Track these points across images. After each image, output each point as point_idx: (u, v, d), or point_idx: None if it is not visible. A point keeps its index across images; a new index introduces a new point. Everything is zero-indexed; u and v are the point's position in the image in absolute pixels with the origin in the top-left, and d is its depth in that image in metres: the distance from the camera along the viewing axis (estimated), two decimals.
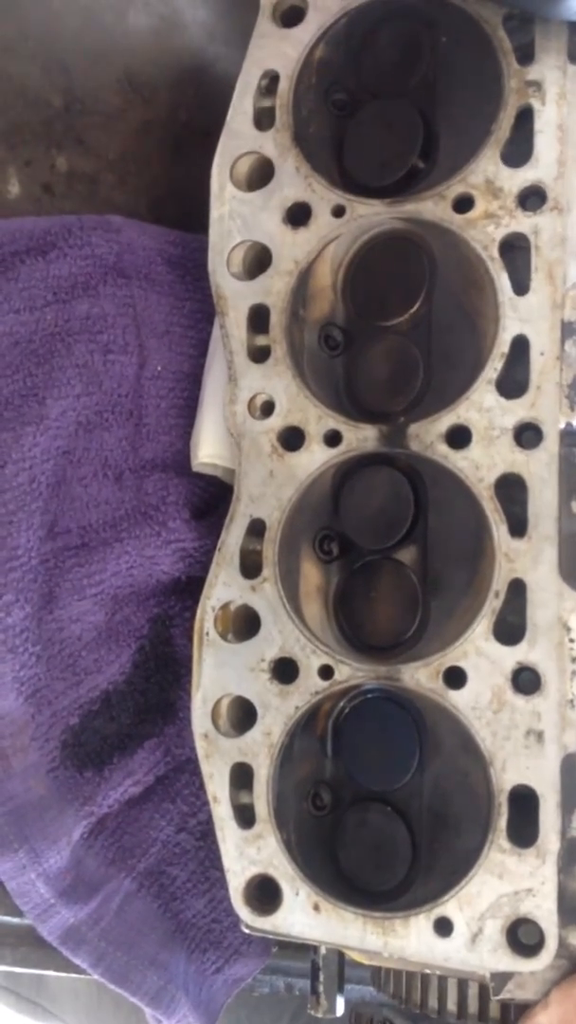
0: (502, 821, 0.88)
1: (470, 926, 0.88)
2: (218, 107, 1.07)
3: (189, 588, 1.19)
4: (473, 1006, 0.97)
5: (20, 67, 1.24)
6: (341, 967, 1.04)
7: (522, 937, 0.87)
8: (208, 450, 1.08)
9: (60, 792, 1.14)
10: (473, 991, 0.97)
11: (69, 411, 1.17)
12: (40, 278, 1.18)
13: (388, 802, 0.95)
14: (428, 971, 0.94)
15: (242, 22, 1.08)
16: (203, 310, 1.22)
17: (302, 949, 1.12)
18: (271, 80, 1.04)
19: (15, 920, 1.16)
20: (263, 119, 1.04)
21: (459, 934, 0.88)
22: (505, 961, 0.87)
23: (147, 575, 1.17)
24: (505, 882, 0.88)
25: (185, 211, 1.24)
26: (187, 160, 1.28)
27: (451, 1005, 0.97)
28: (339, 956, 1.04)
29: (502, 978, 0.90)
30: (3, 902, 1.14)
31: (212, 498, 1.19)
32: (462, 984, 0.97)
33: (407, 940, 0.90)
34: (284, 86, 1.03)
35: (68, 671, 1.16)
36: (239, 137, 1.04)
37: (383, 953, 0.91)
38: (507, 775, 0.89)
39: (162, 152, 1.30)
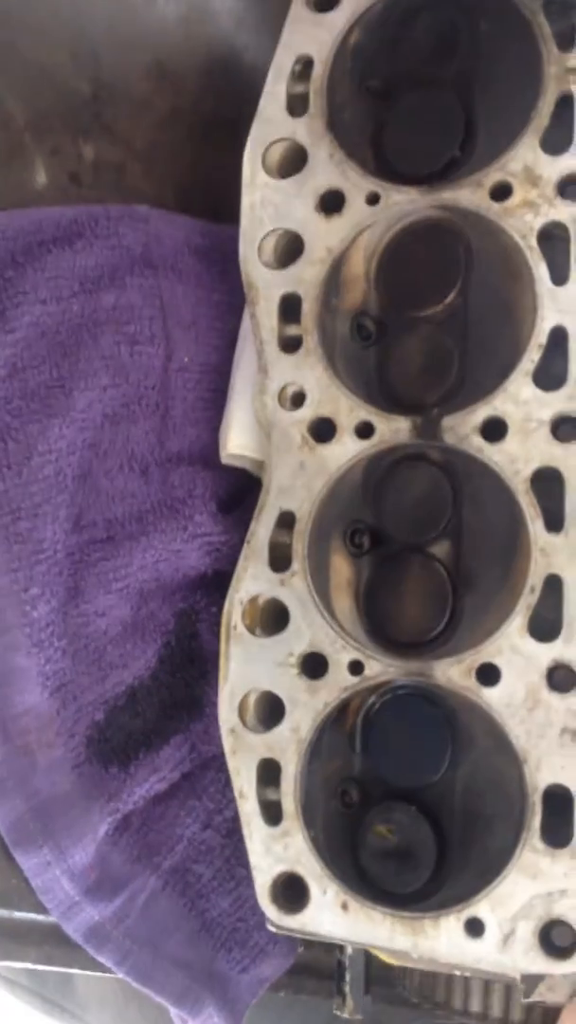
0: (536, 821, 0.87)
1: (502, 927, 0.86)
2: (246, 96, 1.05)
3: (216, 582, 1.17)
4: (498, 1008, 0.96)
5: (49, 54, 1.23)
6: (368, 967, 1.03)
7: (555, 939, 0.86)
8: (237, 440, 1.06)
9: (85, 788, 1.13)
10: (499, 992, 0.96)
11: (95, 403, 1.16)
12: (67, 268, 1.17)
13: (418, 800, 0.93)
14: (457, 972, 0.93)
15: (271, 10, 1.07)
16: (230, 301, 1.20)
17: (328, 949, 1.11)
18: (305, 65, 1.02)
19: (40, 917, 1.15)
20: (296, 105, 1.02)
21: (491, 935, 0.86)
22: (538, 963, 0.86)
23: (173, 569, 1.16)
24: (538, 883, 0.86)
25: (213, 200, 1.23)
26: (215, 149, 1.26)
27: (475, 1006, 0.96)
28: (365, 956, 1.03)
29: (533, 980, 0.88)
30: (28, 899, 1.13)
31: (239, 492, 1.18)
32: (488, 985, 0.96)
33: (437, 941, 0.88)
34: (318, 71, 1.01)
35: (94, 666, 1.15)
36: (271, 123, 1.02)
37: (412, 954, 0.89)
38: (541, 774, 0.87)
39: (190, 141, 1.29)
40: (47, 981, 1.36)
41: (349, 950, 1.02)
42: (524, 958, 0.86)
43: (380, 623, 0.97)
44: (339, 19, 1.02)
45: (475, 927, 0.87)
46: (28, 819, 1.12)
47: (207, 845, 1.15)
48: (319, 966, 1.16)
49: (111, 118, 1.26)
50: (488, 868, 0.88)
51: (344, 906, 0.91)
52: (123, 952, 1.11)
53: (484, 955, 0.87)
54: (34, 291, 1.16)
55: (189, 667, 1.17)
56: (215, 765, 1.16)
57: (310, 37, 1.02)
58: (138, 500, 1.17)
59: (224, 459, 1.09)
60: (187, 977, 1.11)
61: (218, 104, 1.28)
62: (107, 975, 1.14)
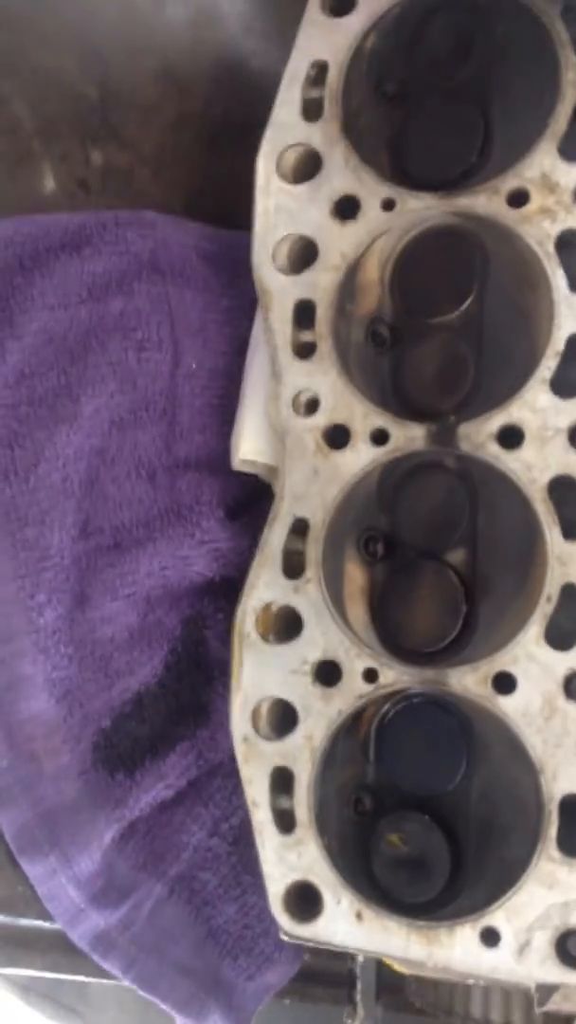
0: (552, 830, 0.86)
1: (518, 937, 0.86)
2: (255, 101, 1.05)
3: (223, 588, 1.17)
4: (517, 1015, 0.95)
5: (56, 59, 1.23)
6: (379, 976, 1.02)
7: (571, 949, 0.85)
8: (250, 446, 1.06)
9: (91, 795, 1.13)
10: (518, 1001, 0.95)
11: (103, 409, 1.15)
12: (75, 274, 1.17)
13: (433, 809, 0.93)
14: (472, 981, 0.92)
15: (281, 15, 1.07)
16: (238, 307, 1.20)
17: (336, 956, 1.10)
18: (320, 70, 1.02)
19: (45, 924, 1.14)
20: (311, 110, 1.02)
21: (506, 945, 0.86)
22: (554, 973, 0.85)
23: (180, 576, 1.15)
24: (555, 892, 0.85)
25: (221, 206, 1.22)
26: (224, 154, 1.26)
27: (496, 1016, 0.96)
28: (377, 964, 1.02)
29: (547, 990, 0.87)
30: (33, 906, 1.12)
31: (246, 498, 1.17)
32: (506, 994, 0.96)
33: (452, 950, 0.88)
34: (333, 76, 1.01)
35: (100, 672, 1.14)
36: (286, 128, 1.02)
37: (427, 963, 0.89)
38: (558, 783, 0.87)
39: (198, 146, 1.28)
40: (62, 986, 1.35)
41: (360, 959, 1.02)
42: (540, 968, 0.85)
43: (393, 631, 0.97)
44: (355, 23, 1.01)
45: (491, 936, 0.87)
46: (34, 826, 1.11)
47: (213, 852, 1.14)
48: (325, 973, 1.15)
49: (119, 123, 1.26)
50: (504, 878, 0.87)
51: (359, 915, 0.90)
52: (129, 959, 1.11)
53: (499, 964, 0.86)
54: (42, 297, 1.16)
55: (196, 673, 1.17)
56: (222, 772, 1.16)
57: (325, 41, 1.02)
58: (145, 506, 1.17)
59: (236, 465, 1.08)
60: (193, 984, 1.11)
61: (227, 109, 1.28)
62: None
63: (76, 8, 1.23)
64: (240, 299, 1.19)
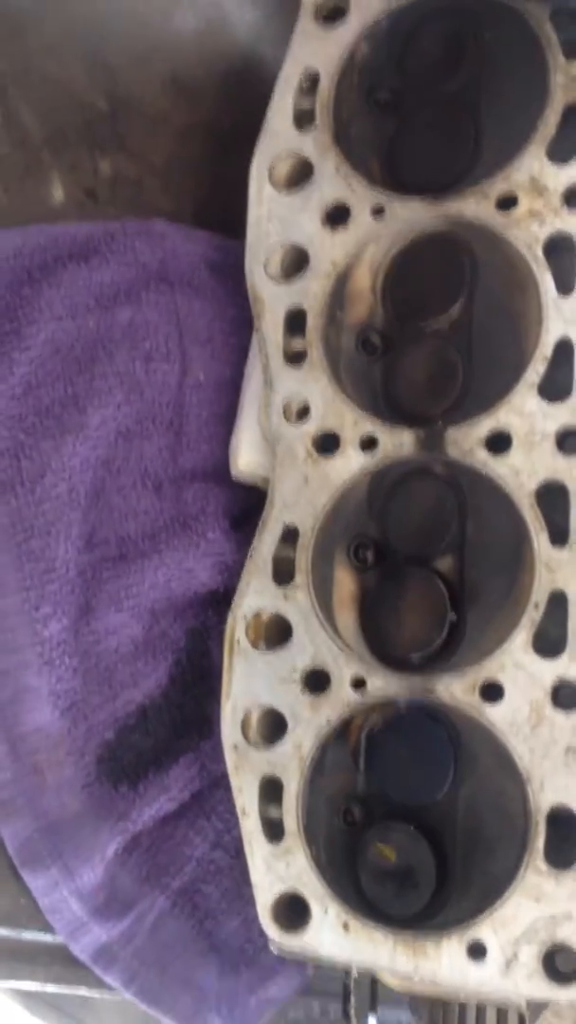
0: (539, 841, 0.85)
1: (504, 951, 0.84)
2: (264, 110, 1.05)
3: (227, 600, 1.15)
4: None
5: (64, 69, 1.24)
6: (374, 991, 1.01)
7: (559, 964, 0.84)
8: (246, 458, 1.06)
9: (95, 808, 1.12)
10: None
11: (109, 420, 1.15)
12: (83, 284, 1.17)
13: (421, 820, 0.92)
14: (463, 998, 0.91)
15: (289, 23, 1.06)
16: (246, 317, 1.19)
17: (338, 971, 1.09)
18: (312, 79, 1.02)
19: (47, 937, 1.14)
20: (303, 119, 1.02)
21: (493, 959, 0.85)
22: (541, 988, 0.83)
23: (185, 587, 1.15)
24: (542, 905, 0.84)
25: (230, 216, 1.22)
26: (232, 164, 1.25)
27: None
28: (372, 980, 1.01)
29: (538, 1006, 0.86)
30: (36, 919, 1.12)
31: (251, 508, 1.16)
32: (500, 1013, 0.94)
33: (438, 963, 0.86)
34: (325, 85, 1.01)
35: (104, 685, 1.14)
36: (278, 137, 1.02)
37: (413, 976, 0.88)
38: (545, 794, 0.85)
39: (207, 156, 1.29)
40: (65, 995, 1.34)
41: (355, 973, 1.00)
42: (527, 983, 0.84)
43: (380, 638, 0.96)
44: (346, 33, 1.01)
45: (477, 950, 0.85)
46: (37, 839, 1.11)
47: (216, 865, 1.14)
48: (327, 988, 1.14)
49: (128, 133, 1.26)
50: (491, 890, 0.86)
51: (345, 926, 0.90)
52: (131, 973, 1.10)
53: (486, 979, 0.85)
54: (49, 308, 1.16)
55: (200, 685, 1.16)
56: (225, 784, 1.13)
57: (317, 51, 1.02)
58: (151, 517, 1.17)
59: (234, 476, 1.08)
60: (194, 998, 1.10)
61: (236, 118, 1.27)
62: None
63: (85, 18, 1.23)
64: (248, 309, 1.18)
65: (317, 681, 0.94)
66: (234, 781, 0.95)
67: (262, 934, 1.07)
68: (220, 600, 1.17)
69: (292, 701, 0.94)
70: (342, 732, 0.95)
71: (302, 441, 0.97)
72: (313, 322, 0.98)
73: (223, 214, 1.25)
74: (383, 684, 0.92)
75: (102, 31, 1.23)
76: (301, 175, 1.01)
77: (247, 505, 1.17)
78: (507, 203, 0.93)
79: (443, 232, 0.97)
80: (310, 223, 1.00)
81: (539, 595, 0.87)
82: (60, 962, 1.15)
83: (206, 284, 1.21)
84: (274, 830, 0.93)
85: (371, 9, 1.01)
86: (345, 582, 0.98)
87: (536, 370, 0.89)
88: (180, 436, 1.18)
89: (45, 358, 1.16)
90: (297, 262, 1.01)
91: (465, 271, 0.97)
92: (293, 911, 0.92)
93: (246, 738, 0.95)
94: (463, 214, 0.94)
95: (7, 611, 1.13)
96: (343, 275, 0.98)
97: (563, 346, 0.90)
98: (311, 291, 0.99)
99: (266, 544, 0.97)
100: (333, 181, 0.99)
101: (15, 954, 1.16)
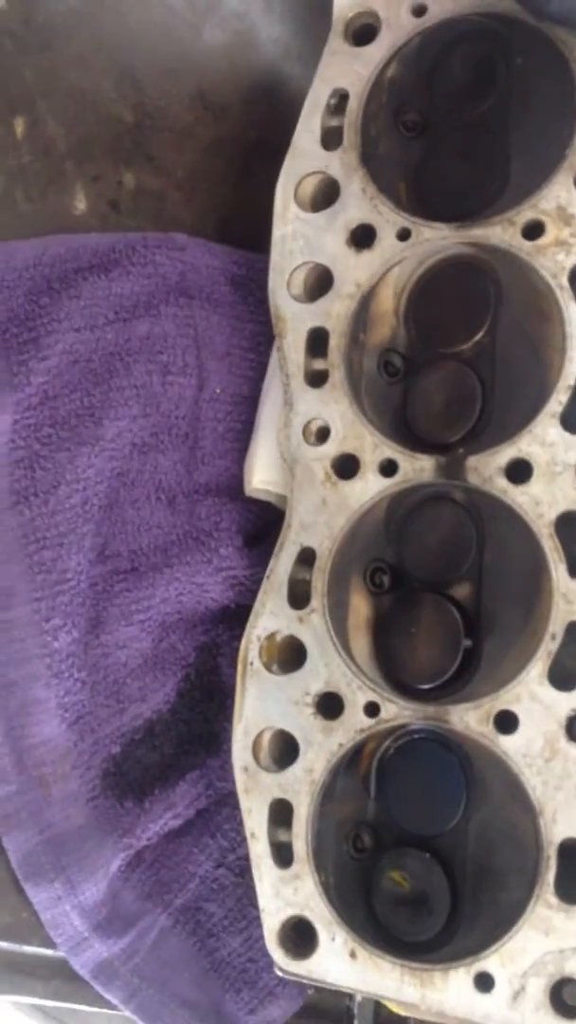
0: (550, 875, 0.84)
1: (512, 983, 0.84)
2: (290, 126, 1.05)
3: (238, 616, 1.16)
4: None
5: (93, 81, 1.23)
6: (377, 1015, 1.01)
7: (567, 998, 0.83)
8: (262, 476, 1.05)
9: (99, 822, 1.12)
10: None
11: (125, 432, 1.15)
12: (102, 296, 1.16)
13: (431, 849, 0.91)
14: None
15: (318, 40, 1.06)
16: (265, 332, 1.19)
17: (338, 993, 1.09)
18: (340, 99, 1.02)
19: (48, 952, 1.13)
20: (330, 139, 1.02)
21: (500, 991, 0.84)
22: (548, 1021, 0.83)
23: (196, 602, 1.14)
24: (551, 939, 0.83)
25: (253, 231, 1.21)
26: (256, 179, 1.26)
27: None
28: (375, 1004, 1.00)
29: None
30: (36, 933, 1.11)
31: (265, 525, 1.16)
32: None
33: (446, 994, 0.86)
34: (353, 105, 1.01)
35: (112, 698, 1.14)
36: (305, 156, 1.02)
37: (420, 1006, 0.87)
38: (557, 827, 0.85)
39: (231, 170, 1.28)
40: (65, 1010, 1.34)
41: (359, 997, 1.00)
42: (533, 1016, 0.83)
43: (394, 664, 0.95)
44: (376, 53, 1.01)
45: (485, 982, 0.85)
46: (40, 852, 1.11)
47: (219, 884, 1.13)
48: (327, 1009, 1.14)
49: (153, 146, 1.26)
50: (500, 921, 0.86)
51: (352, 954, 0.89)
52: (131, 990, 1.10)
53: (493, 1011, 0.84)
54: (68, 319, 1.15)
55: (208, 702, 1.16)
56: (231, 802, 1.14)
57: (346, 71, 1.01)
58: (164, 531, 1.16)
59: (248, 493, 1.08)
60: (194, 1017, 1.09)
61: (261, 134, 1.27)
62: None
63: (115, 32, 1.23)
64: (267, 324, 1.17)
65: (330, 705, 0.93)
66: (244, 804, 0.95)
67: (264, 954, 1.08)
68: (231, 616, 1.17)
69: (304, 725, 0.93)
70: (353, 758, 0.94)
71: (321, 463, 0.96)
72: (336, 343, 0.97)
73: (245, 229, 1.26)
74: (396, 711, 0.91)
75: (131, 45, 1.23)
76: (327, 195, 1.01)
77: (261, 522, 1.16)
78: (534, 231, 0.92)
79: (468, 257, 0.96)
80: (335, 243, 0.99)
81: (556, 626, 0.87)
82: (60, 977, 1.14)
83: (226, 298, 1.21)
84: (283, 854, 0.93)
85: (401, 30, 1.00)
86: (360, 606, 0.98)
87: (559, 400, 0.89)
88: (195, 450, 1.18)
89: (62, 369, 1.16)
90: (321, 282, 1.00)
91: (489, 297, 0.96)
92: (300, 936, 0.92)
93: (257, 760, 0.95)
94: (489, 240, 0.93)
95: (17, 622, 1.12)
96: (367, 297, 0.98)
97: None
98: (334, 312, 0.98)
99: (282, 565, 0.97)
100: (359, 202, 0.98)
101: (15, 968, 1.15)
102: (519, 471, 0.90)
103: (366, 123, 1.00)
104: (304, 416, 0.98)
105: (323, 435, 0.97)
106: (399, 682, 0.94)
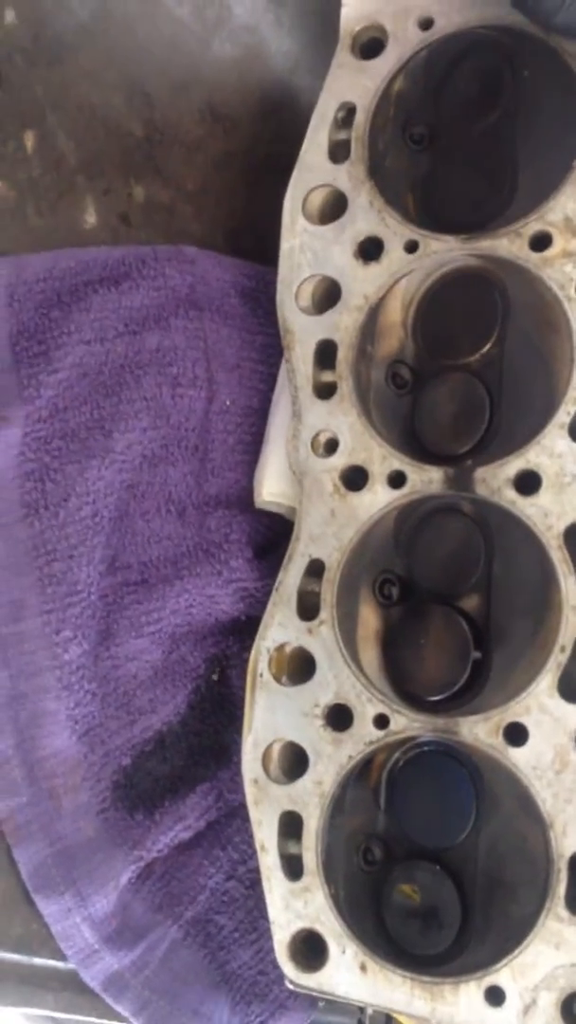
0: (561, 888, 0.84)
1: (523, 997, 0.84)
2: (300, 140, 1.05)
3: (248, 628, 1.16)
4: None
5: (103, 96, 1.24)
6: None
7: None
8: (271, 488, 1.05)
9: (109, 835, 1.11)
10: None
11: (135, 444, 1.15)
12: (112, 309, 1.17)
13: (441, 861, 0.91)
14: None
15: (327, 54, 1.06)
16: (275, 344, 1.19)
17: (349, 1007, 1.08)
18: (348, 112, 1.02)
19: (59, 964, 1.13)
20: (338, 152, 1.02)
21: (511, 1005, 0.84)
22: None
23: (206, 614, 1.14)
24: (562, 953, 0.83)
25: (262, 244, 1.22)
26: (266, 193, 1.25)
27: None
28: (387, 1017, 1.00)
29: None
30: (47, 945, 1.11)
31: (275, 536, 1.16)
32: None
33: (456, 1008, 0.86)
34: (361, 118, 1.01)
35: (122, 710, 1.14)
36: (313, 170, 1.02)
37: (431, 1020, 0.87)
38: (568, 840, 0.84)
39: (241, 184, 1.28)
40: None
41: (370, 1011, 1.00)
42: None
43: (403, 676, 0.95)
44: (383, 66, 1.01)
45: (495, 995, 0.85)
46: (51, 864, 1.10)
47: (230, 896, 1.13)
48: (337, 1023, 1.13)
49: (163, 160, 1.26)
50: (511, 935, 0.85)
51: (363, 967, 0.89)
52: (141, 1002, 1.09)
53: None
54: (78, 331, 1.16)
55: (219, 713, 1.16)
56: (241, 814, 1.14)
57: (354, 84, 1.02)
58: (174, 543, 1.16)
59: (258, 505, 1.08)
60: None
61: (271, 147, 1.28)
62: None
63: (125, 47, 1.23)
64: (277, 336, 1.17)
65: (340, 717, 0.93)
66: (254, 816, 0.95)
67: (274, 967, 1.07)
68: (241, 628, 1.17)
69: (314, 736, 0.93)
70: (363, 770, 0.94)
71: (330, 475, 0.96)
72: (344, 355, 0.98)
73: (254, 242, 1.26)
74: (406, 723, 0.91)
75: (141, 59, 1.23)
76: (335, 208, 1.01)
77: (271, 533, 1.16)
78: (541, 243, 0.92)
79: (476, 269, 0.96)
80: (342, 256, 0.99)
81: (566, 638, 0.86)
82: (71, 989, 1.14)
83: (235, 311, 1.21)
84: (293, 867, 0.93)
85: (408, 43, 1.00)
86: (369, 618, 0.98)
87: (567, 411, 0.89)
88: (205, 462, 1.18)
89: (73, 381, 1.16)
90: (329, 294, 1.00)
91: (497, 309, 0.96)
92: (310, 949, 0.91)
93: (267, 772, 0.95)
94: (496, 252, 0.93)
95: (28, 634, 1.12)
96: (375, 309, 0.98)
97: None
98: (342, 324, 0.98)
99: (291, 577, 0.97)
100: (367, 215, 0.99)
101: (26, 980, 1.15)
102: (527, 482, 0.90)
103: (374, 136, 1.00)
104: (313, 428, 0.98)
105: (332, 447, 0.97)
106: (408, 694, 0.94)
